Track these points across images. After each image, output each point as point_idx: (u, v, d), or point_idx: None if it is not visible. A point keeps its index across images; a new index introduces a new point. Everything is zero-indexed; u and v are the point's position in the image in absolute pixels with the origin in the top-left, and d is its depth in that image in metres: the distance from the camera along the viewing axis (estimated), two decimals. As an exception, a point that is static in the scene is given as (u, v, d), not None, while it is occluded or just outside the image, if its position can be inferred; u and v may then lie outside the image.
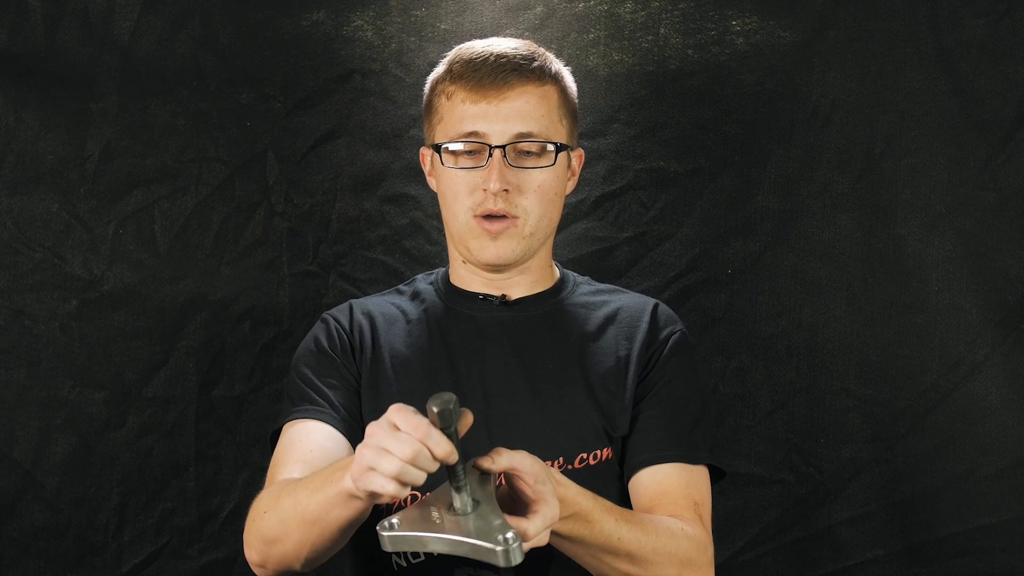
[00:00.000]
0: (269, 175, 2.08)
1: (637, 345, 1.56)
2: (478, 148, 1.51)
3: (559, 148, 1.52)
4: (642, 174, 2.05)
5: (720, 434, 2.03)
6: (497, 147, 1.49)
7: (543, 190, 1.53)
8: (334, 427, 1.49)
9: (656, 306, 1.61)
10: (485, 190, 1.50)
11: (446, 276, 1.64)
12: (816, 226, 2.02)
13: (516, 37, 2.02)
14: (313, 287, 2.08)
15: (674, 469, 1.51)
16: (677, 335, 1.58)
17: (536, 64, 1.52)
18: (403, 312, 1.61)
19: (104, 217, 2.07)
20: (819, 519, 2.02)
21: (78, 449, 2.07)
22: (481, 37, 2.02)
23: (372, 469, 1.17)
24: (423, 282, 1.66)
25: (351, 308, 1.62)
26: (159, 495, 2.07)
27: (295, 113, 2.07)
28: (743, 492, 2.03)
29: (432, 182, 1.61)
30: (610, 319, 1.59)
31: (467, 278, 1.60)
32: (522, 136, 1.50)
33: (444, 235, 2.06)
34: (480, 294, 1.59)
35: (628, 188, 2.05)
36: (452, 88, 1.52)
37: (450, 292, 1.62)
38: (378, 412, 1.40)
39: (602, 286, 1.66)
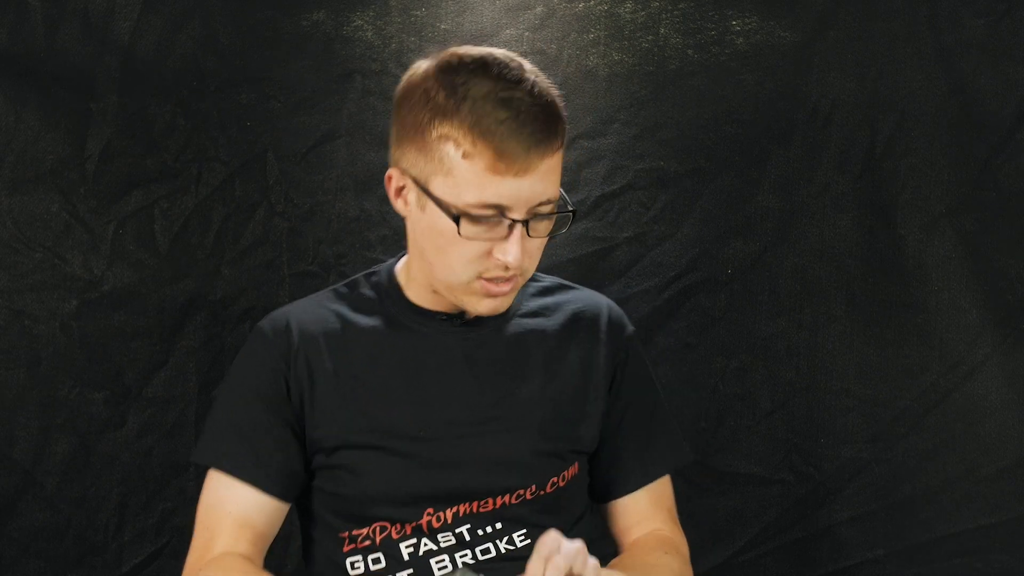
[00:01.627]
0: (269, 175, 2.08)
1: (601, 357, 1.52)
2: (496, 220, 1.36)
3: (574, 212, 1.43)
4: (642, 174, 2.05)
5: (720, 434, 2.03)
6: (519, 222, 1.36)
7: (543, 246, 1.45)
8: (266, 492, 1.45)
9: (609, 308, 1.56)
10: (501, 261, 1.38)
11: (395, 285, 1.52)
12: (816, 226, 2.02)
13: (516, 37, 2.03)
14: (313, 287, 2.07)
15: (651, 485, 1.55)
16: (632, 337, 1.57)
17: (557, 125, 1.37)
18: (348, 324, 1.50)
19: (104, 217, 2.07)
20: (819, 519, 2.02)
21: (78, 449, 2.07)
22: (481, 37, 2.04)
23: None
24: (365, 287, 1.54)
25: (288, 327, 1.49)
26: (159, 495, 2.07)
27: (295, 113, 2.07)
28: (743, 492, 2.03)
29: (401, 206, 1.45)
30: (568, 328, 1.53)
31: (423, 296, 1.49)
32: (541, 205, 1.38)
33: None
34: (439, 312, 1.49)
35: (628, 188, 2.05)
36: (469, 147, 1.34)
37: (403, 306, 1.50)
38: (329, 437, 1.43)
39: (547, 282, 1.58)
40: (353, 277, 1.57)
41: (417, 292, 1.50)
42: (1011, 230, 1.97)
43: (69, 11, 2.05)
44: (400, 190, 1.45)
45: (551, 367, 1.50)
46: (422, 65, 1.41)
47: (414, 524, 1.44)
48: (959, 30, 1.97)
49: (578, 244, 2.04)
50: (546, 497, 1.46)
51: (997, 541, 1.97)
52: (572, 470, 1.49)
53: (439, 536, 1.44)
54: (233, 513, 1.46)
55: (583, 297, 1.57)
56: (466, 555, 1.44)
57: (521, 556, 1.36)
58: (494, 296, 1.42)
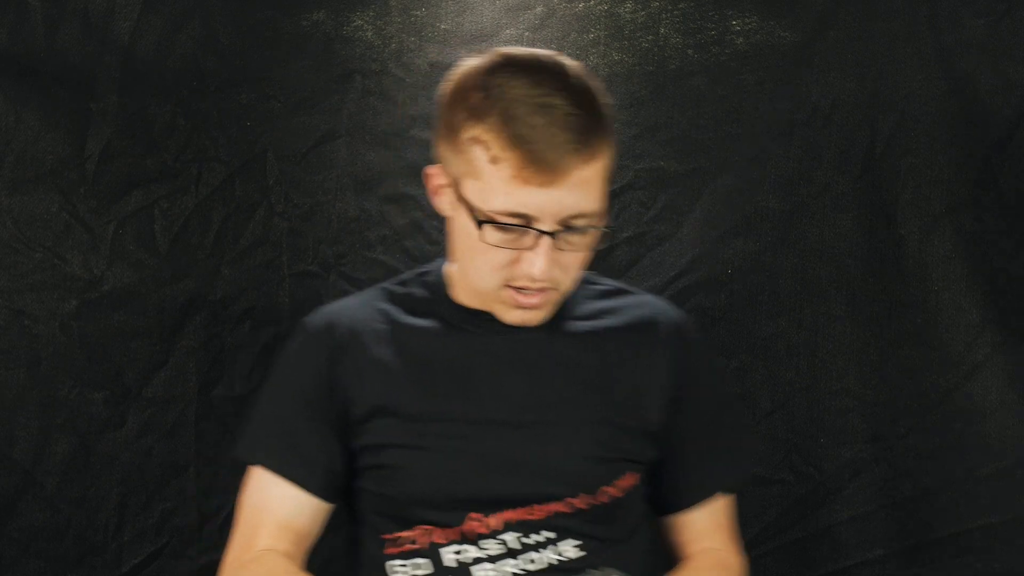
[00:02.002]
0: (269, 175, 2.08)
1: (661, 366, 1.45)
2: (523, 229, 1.32)
3: (609, 230, 1.40)
4: (642, 174, 2.05)
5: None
6: (547, 234, 1.31)
7: (580, 260, 1.38)
8: (309, 492, 1.44)
9: (673, 314, 1.51)
10: (527, 273, 1.33)
11: (444, 284, 1.49)
12: (816, 226, 2.02)
13: (516, 37, 2.03)
14: (313, 287, 2.08)
15: (710, 502, 1.50)
16: (698, 342, 1.50)
17: (594, 135, 1.31)
18: (395, 323, 1.46)
19: (104, 217, 2.07)
20: (819, 519, 2.02)
21: (78, 449, 2.07)
22: (481, 37, 2.04)
23: None
24: (416, 286, 1.51)
25: (333, 325, 1.47)
26: (159, 495, 2.07)
27: (295, 113, 2.07)
28: (743, 492, 2.02)
29: (440, 203, 1.42)
30: (626, 334, 1.46)
31: (469, 296, 1.45)
32: (572, 218, 1.32)
33: (444, 235, 2.06)
34: (485, 313, 1.44)
35: (628, 188, 2.05)
36: (498, 152, 1.29)
37: (451, 306, 1.47)
38: (372, 435, 1.40)
39: (606, 285, 1.53)
40: (405, 275, 1.54)
41: (463, 293, 1.46)
42: (1011, 230, 1.97)
43: (69, 11, 2.05)
44: (439, 188, 1.41)
45: (606, 373, 1.44)
46: (469, 62, 1.37)
47: (457, 529, 1.39)
48: (959, 30, 1.97)
49: (578, 244, 2.04)
50: (598, 507, 1.40)
51: (997, 541, 1.97)
52: (627, 480, 1.43)
53: (483, 543, 1.38)
54: (275, 511, 1.44)
55: (644, 302, 1.51)
56: (513, 565, 1.38)
57: (571, 568, 1.35)
58: (523, 307, 1.37)
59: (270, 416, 1.48)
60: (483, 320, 1.43)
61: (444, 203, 1.41)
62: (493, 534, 1.38)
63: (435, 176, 1.41)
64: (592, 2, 2.05)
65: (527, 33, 2.04)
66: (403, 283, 1.52)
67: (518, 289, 1.36)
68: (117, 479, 2.07)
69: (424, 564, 1.40)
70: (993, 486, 1.97)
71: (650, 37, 2.03)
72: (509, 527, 1.38)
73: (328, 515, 1.48)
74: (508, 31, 2.04)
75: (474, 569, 1.38)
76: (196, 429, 2.07)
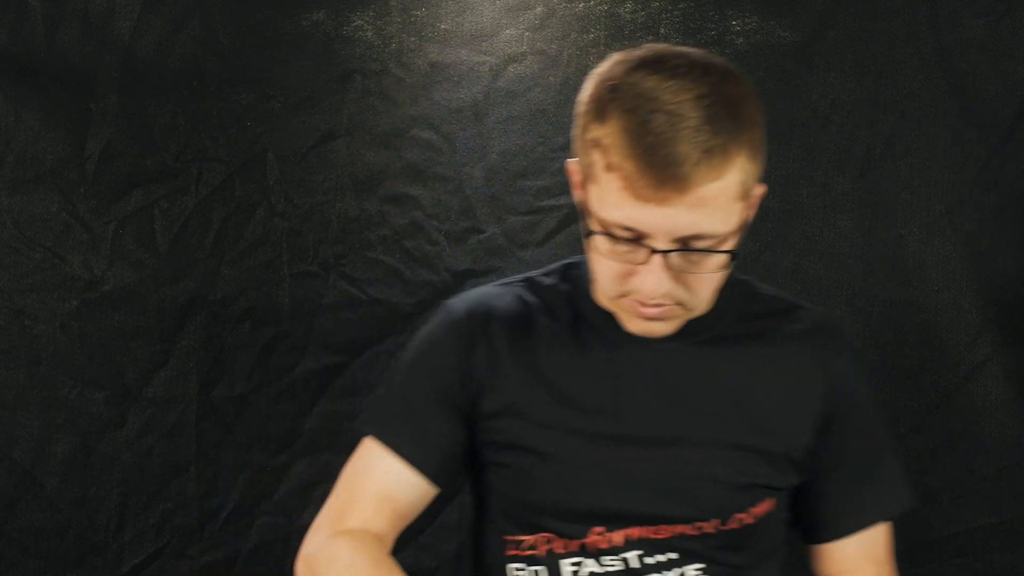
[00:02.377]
0: (269, 175, 2.08)
1: (814, 388, 1.35)
2: (636, 243, 1.22)
3: (732, 253, 1.25)
4: (642, 174, 2.04)
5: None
6: (659, 252, 1.21)
7: (710, 280, 1.26)
8: (418, 470, 1.36)
9: (832, 333, 1.39)
10: (640, 289, 1.24)
11: (587, 281, 1.38)
12: (816, 226, 2.01)
13: (516, 37, 2.03)
14: (313, 287, 2.08)
15: (862, 532, 1.41)
16: (855, 362, 1.39)
17: (718, 149, 1.17)
18: (535, 319, 1.38)
19: (104, 217, 2.07)
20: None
21: (78, 449, 2.07)
22: (481, 37, 2.04)
23: None
24: (562, 279, 1.41)
25: (475, 313, 1.38)
26: (159, 495, 2.08)
27: (295, 113, 2.07)
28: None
29: (579, 196, 1.31)
30: (780, 351, 1.36)
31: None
32: (690, 239, 1.21)
33: (444, 235, 2.07)
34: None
35: (628, 188, 2.05)
36: (613, 158, 1.19)
37: (593, 308, 1.37)
38: (500, 432, 1.33)
39: (766, 294, 1.41)
40: (555, 265, 1.45)
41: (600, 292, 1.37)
42: (1011, 230, 1.97)
43: (69, 11, 2.05)
44: (575, 183, 1.31)
45: (751, 392, 1.33)
46: (614, 57, 1.28)
47: (579, 541, 1.32)
48: (959, 30, 1.97)
49: (578, 244, 2.02)
50: (728, 533, 1.32)
51: (997, 541, 1.97)
52: (763, 507, 1.33)
53: (604, 559, 1.32)
54: (378, 483, 1.37)
55: (802, 315, 1.39)
56: None
57: None
58: (646, 318, 1.28)
59: (394, 391, 1.41)
60: (622, 327, 1.34)
61: (577, 200, 1.31)
62: (615, 550, 1.31)
63: (572, 171, 1.31)
64: (592, 2, 2.05)
65: (527, 33, 2.04)
66: (549, 274, 1.43)
67: (639, 301, 1.26)
68: (117, 479, 2.07)
69: (543, 572, 1.34)
70: (993, 486, 1.97)
71: (650, 37, 2.03)
72: (632, 545, 1.31)
73: (431, 499, 1.41)
74: (508, 31, 2.04)
75: None
76: (196, 429, 2.07)
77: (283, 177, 2.08)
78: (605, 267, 1.26)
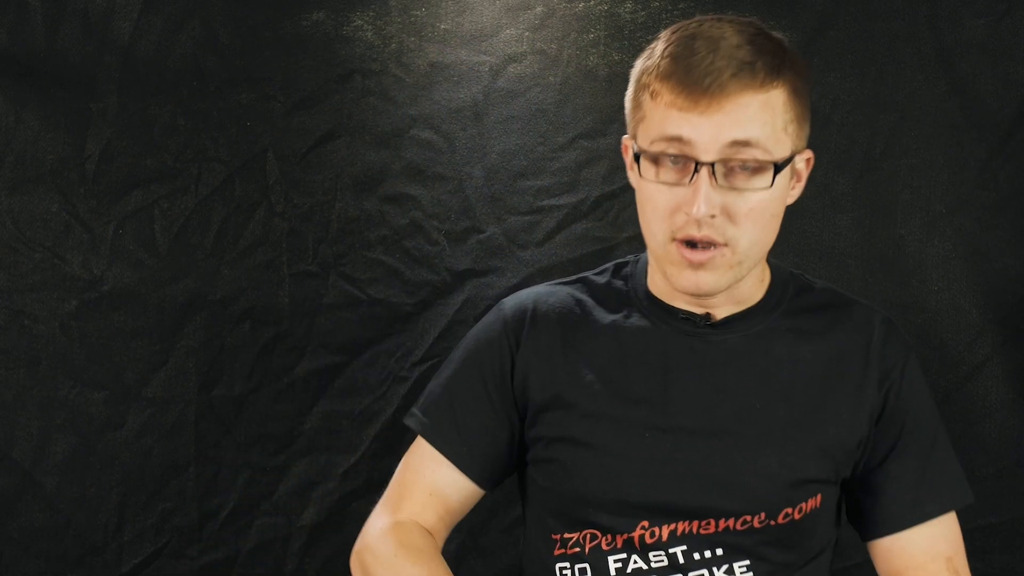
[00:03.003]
0: (269, 175, 2.08)
1: (867, 381, 1.35)
2: (683, 160, 1.26)
3: (778, 168, 1.26)
4: (642, 174, 2.04)
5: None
6: (705, 164, 1.24)
7: (756, 214, 1.27)
8: (463, 473, 1.41)
9: (883, 326, 1.39)
10: (688, 214, 1.26)
11: (643, 275, 1.43)
12: (816, 226, 2.02)
13: (516, 37, 2.03)
14: (313, 287, 2.08)
15: (926, 526, 1.38)
16: (909, 359, 1.39)
17: (760, 65, 1.24)
18: (588, 315, 1.41)
19: (104, 217, 2.07)
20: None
21: (78, 449, 2.07)
22: (481, 37, 2.04)
23: None
24: (615, 276, 1.45)
25: (526, 311, 1.42)
26: (159, 495, 2.07)
27: (295, 113, 2.07)
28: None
29: (632, 177, 1.37)
30: (832, 345, 1.37)
31: (666, 290, 1.39)
32: (736, 148, 1.24)
33: (444, 235, 2.07)
34: (680, 311, 1.38)
35: (628, 188, 2.02)
36: (658, 86, 1.26)
37: (647, 301, 1.40)
38: (548, 428, 1.36)
39: (818, 287, 1.44)
40: (606, 264, 1.49)
41: (654, 281, 1.41)
42: (1011, 230, 1.97)
43: (69, 11, 2.05)
44: (629, 163, 1.37)
45: (804, 387, 1.34)
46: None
47: (625, 536, 1.33)
48: (959, 30, 1.97)
49: (578, 244, 2.04)
50: (777, 528, 1.32)
51: (997, 541, 1.97)
52: (812, 502, 1.33)
53: (651, 555, 1.32)
54: (428, 479, 1.41)
55: (854, 311, 1.41)
56: None
57: None
58: (693, 265, 1.28)
59: (444, 389, 1.44)
60: (676, 318, 1.37)
61: (631, 175, 1.37)
62: (660, 545, 1.32)
63: (625, 148, 1.37)
64: (592, 2, 2.05)
65: (527, 33, 2.04)
66: (602, 272, 1.47)
67: (687, 245, 1.28)
68: (117, 479, 2.07)
69: (588, 570, 1.35)
70: (993, 486, 1.97)
71: (650, 37, 2.01)
72: (677, 540, 1.32)
73: (479, 498, 1.45)
74: (508, 31, 2.04)
75: None
76: (196, 429, 2.07)
77: (283, 177, 2.08)
78: (653, 204, 1.29)
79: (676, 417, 1.33)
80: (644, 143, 1.29)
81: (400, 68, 2.06)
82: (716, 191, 1.25)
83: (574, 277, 1.48)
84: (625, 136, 1.37)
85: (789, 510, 1.32)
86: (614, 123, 2.04)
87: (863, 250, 2.00)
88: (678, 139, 1.25)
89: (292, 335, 2.07)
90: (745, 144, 1.24)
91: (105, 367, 2.07)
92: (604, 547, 1.34)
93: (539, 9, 2.05)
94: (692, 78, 1.23)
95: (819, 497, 1.34)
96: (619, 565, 1.34)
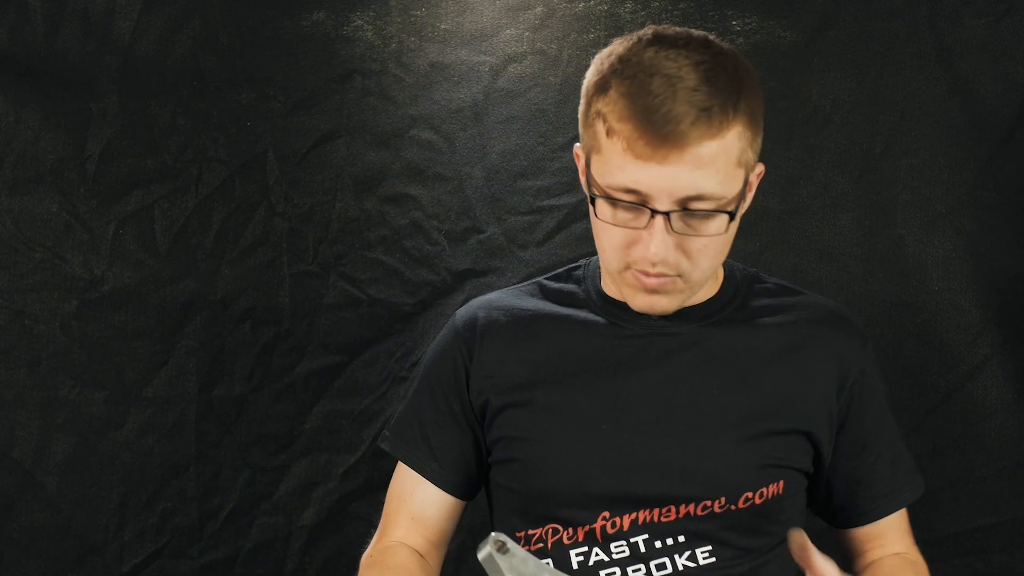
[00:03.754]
0: (269, 175, 2.08)
1: (827, 373, 1.37)
2: (639, 206, 1.25)
3: (732, 215, 1.28)
4: (642, 174, 2.04)
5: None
6: (660, 213, 1.24)
7: (710, 249, 1.29)
8: (442, 489, 1.44)
9: (841, 318, 1.42)
10: (643, 256, 1.27)
11: (596, 276, 1.44)
12: (816, 226, 2.02)
13: (516, 37, 2.03)
14: (313, 287, 2.08)
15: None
16: (868, 353, 1.41)
17: (716, 109, 1.21)
18: (541, 316, 1.42)
19: (104, 217, 2.07)
20: (820, 519, 2.02)
21: (78, 449, 2.07)
22: (481, 37, 2.04)
23: None
24: (569, 280, 1.46)
25: (477, 319, 1.43)
26: (159, 495, 2.07)
27: (295, 113, 2.07)
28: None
29: (587, 197, 1.36)
30: (788, 335, 1.38)
31: (620, 291, 1.39)
32: (691, 199, 1.24)
33: (444, 235, 2.07)
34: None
35: (628, 188, 2.05)
36: (615, 124, 1.23)
37: (601, 299, 1.42)
38: (507, 429, 1.37)
39: (769, 284, 1.45)
40: (559, 269, 1.50)
41: (610, 284, 1.41)
42: (1011, 230, 1.97)
43: (69, 11, 2.05)
44: (581, 168, 1.36)
45: (761, 375, 1.35)
46: (616, 40, 1.32)
47: (587, 529, 1.34)
48: (959, 30, 1.97)
49: (578, 244, 2.04)
50: (738, 513, 1.32)
51: (997, 541, 1.97)
52: (774, 487, 1.33)
53: (612, 545, 1.33)
54: (409, 504, 1.45)
55: (809, 303, 1.42)
56: (639, 570, 1.32)
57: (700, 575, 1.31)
58: (648, 290, 1.30)
59: (408, 407, 1.48)
60: (631, 313, 1.37)
61: (584, 183, 1.36)
62: (623, 535, 1.33)
63: (577, 154, 1.36)
64: (592, 2, 2.05)
65: (527, 33, 2.04)
66: (556, 277, 1.48)
67: (641, 271, 1.29)
68: (117, 479, 2.07)
69: (552, 565, 1.35)
70: (993, 486, 1.97)
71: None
72: (639, 529, 1.33)
73: (461, 510, 1.47)
74: (508, 31, 2.04)
75: (602, 574, 1.34)
76: (196, 429, 2.07)
77: (283, 177, 2.08)
78: (608, 237, 1.29)
79: (632, 407, 1.34)
80: (599, 178, 1.27)
81: (400, 68, 2.06)
82: (671, 235, 1.26)
83: (529, 282, 1.50)
84: (577, 145, 1.36)
85: (749, 494, 1.32)
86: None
87: (863, 250, 2.00)
88: (635, 191, 1.24)
89: (292, 335, 2.07)
90: (699, 198, 1.24)
91: (105, 367, 2.07)
92: (566, 541, 1.35)
93: (539, 9, 2.05)
94: (651, 125, 1.20)
95: (781, 483, 1.34)
96: (581, 559, 1.34)
